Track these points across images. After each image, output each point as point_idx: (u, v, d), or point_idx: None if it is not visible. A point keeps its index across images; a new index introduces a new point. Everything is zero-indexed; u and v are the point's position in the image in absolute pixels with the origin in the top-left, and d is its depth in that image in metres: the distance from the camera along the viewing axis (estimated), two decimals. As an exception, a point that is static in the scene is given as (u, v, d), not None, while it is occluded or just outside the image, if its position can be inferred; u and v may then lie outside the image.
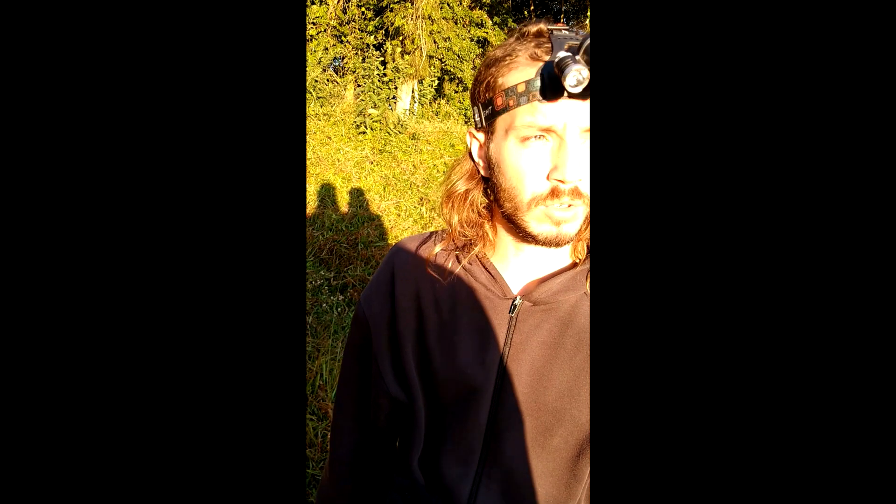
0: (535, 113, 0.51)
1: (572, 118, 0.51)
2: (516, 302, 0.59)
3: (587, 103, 0.51)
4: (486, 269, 0.61)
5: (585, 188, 0.53)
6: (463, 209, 0.62)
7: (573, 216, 0.54)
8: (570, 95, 0.49)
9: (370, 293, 0.67)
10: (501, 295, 0.59)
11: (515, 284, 0.61)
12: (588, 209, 0.55)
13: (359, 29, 10.01)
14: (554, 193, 0.53)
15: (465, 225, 0.62)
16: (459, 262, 0.62)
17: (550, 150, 0.53)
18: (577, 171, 0.51)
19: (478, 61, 10.55)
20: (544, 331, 0.58)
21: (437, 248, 0.64)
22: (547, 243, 0.55)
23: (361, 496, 0.71)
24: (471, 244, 0.61)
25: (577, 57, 0.46)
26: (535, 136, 0.52)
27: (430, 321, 0.61)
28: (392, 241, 3.80)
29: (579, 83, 0.46)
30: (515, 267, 0.61)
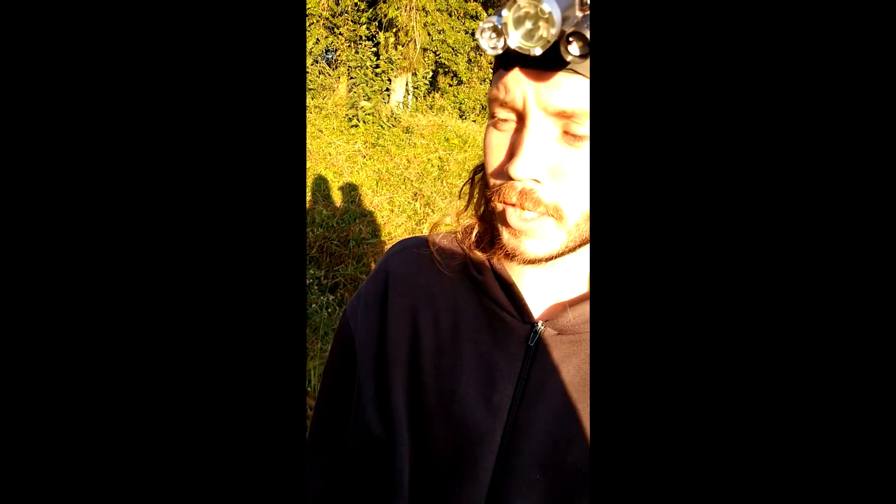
0: (498, 83, 0.39)
1: (533, 93, 0.37)
2: (537, 328, 0.45)
3: (569, 78, 0.36)
4: (501, 281, 0.47)
5: (550, 196, 0.39)
6: (475, 200, 0.50)
7: (532, 231, 0.40)
8: (524, 63, 0.37)
9: (357, 303, 0.54)
10: (518, 318, 0.46)
11: (537, 306, 0.48)
12: (568, 231, 0.41)
13: (352, 20, 9.88)
14: (500, 193, 0.41)
15: (476, 221, 0.49)
16: (468, 272, 0.49)
17: (511, 134, 0.41)
18: (530, 167, 0.38)
19: (472, 54, 10.45)
20: (572, 368, 0.45)
21: (442, 253, 0.50)
22: (513, 258, 0.43)
23: None
24: (483, 249, 0.47)
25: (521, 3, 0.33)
26: (501, 116, 0.40)
27: (426, 346, 0.48)
28: (385, 239, 3.69)
29: (496, 47, 0.35)
30: (537, 283, 0.47)
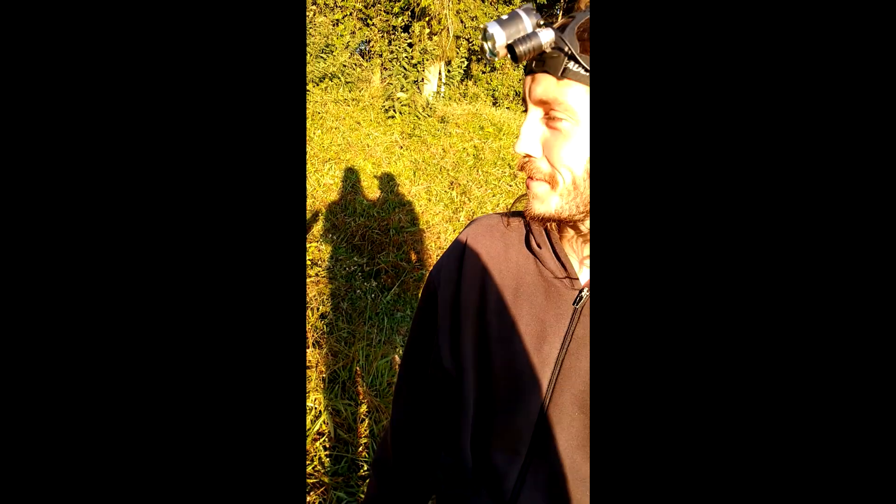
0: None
1: (527, 89, 0.51)
2: (582, 293, 0.55)
3: (544, 76, 0.48)
4: (556, 253, 0.57)
5: (545, 166, 0.51)
6: None
7: (535, 193, 0.53)
8: (525, 69, 0.50)
9: (442, 261, 0.66)
10: (568, 284, 0.57)
11: (585, 274, 0.58)
12: (560, 194, 0.52)
13: (384, 11, 9.91)
14: (521, 166, 0.54)
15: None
16: (529, 244, 0.60)
17: None
18: (524, 144, 0.51)
19: (506, 40, 10.30)
20: None
21: (509, 227, 0.62)
22: (529, 216, 0.55)
23: (405, 464, 0.72)
24: (545, 224, 0.58)
25: (500, 24, 0.47)
26: (524, 108, 0.53)
27: (492, 301, 0.60)
28: (423, 227, 3.80)
29: (495, 55, 0.47)
30: (584, 254, 0.57)
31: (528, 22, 0.47)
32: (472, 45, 9.49)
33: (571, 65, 0.46)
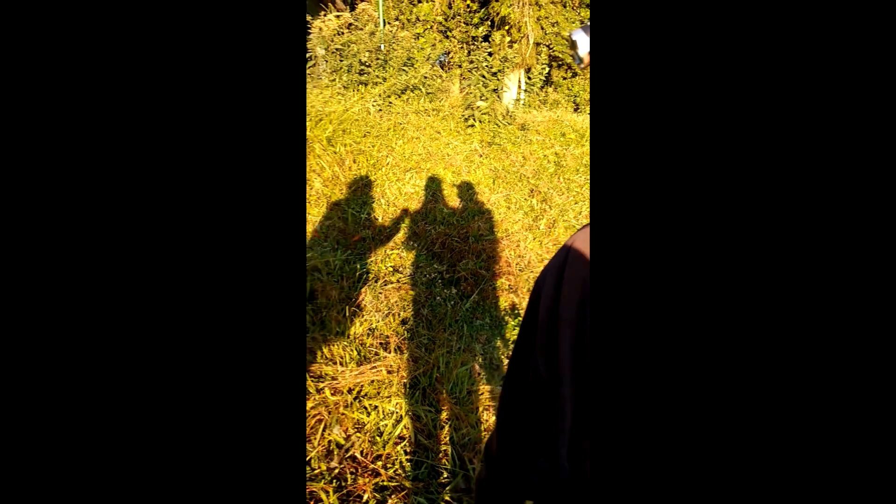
0: None
1: None
2: None
3: None
4: None
5: None
6: None
7: None
8: None
9: (547, 267, 0.67)
10: None
11: None
12: None
13: (464, 23, 10.03)
14: None
15: None
16: None
17: None
18: None
19: (587, 44, 10.06)
20: None
21: None
22: None
23: (506, 459, 0.73)
24: None
25: None
26: None
27: (589, 313, 0.59)
28: (501, 235, 3.77)
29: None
30: None
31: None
32: (553, 51, 9.34)
33: None
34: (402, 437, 1.97)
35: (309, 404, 2.00)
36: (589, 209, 4.17)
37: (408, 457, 1.89)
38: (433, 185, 4.52)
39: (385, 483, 1.76)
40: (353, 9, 8.24)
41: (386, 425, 1.98)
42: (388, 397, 2.10)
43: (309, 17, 6.05)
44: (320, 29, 5.78)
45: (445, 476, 1.83)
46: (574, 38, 0.48)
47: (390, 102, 5.62)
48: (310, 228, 3.42)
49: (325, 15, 6.27)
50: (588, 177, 4.73)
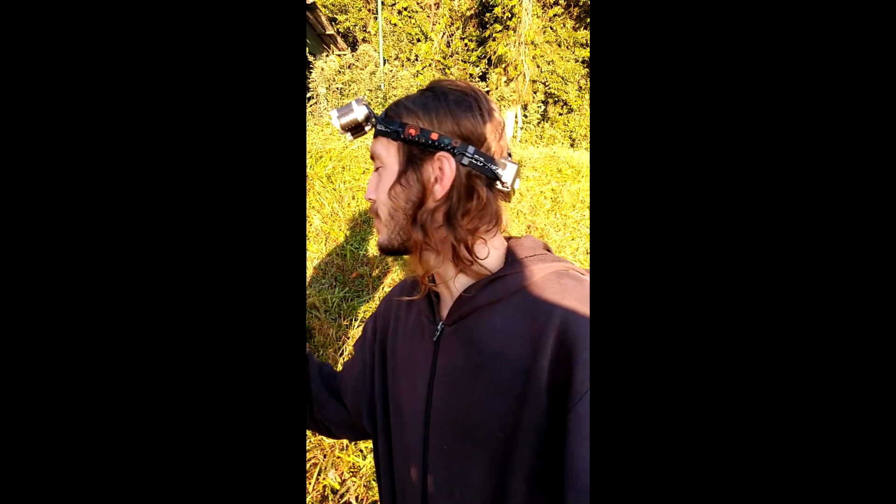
0: None
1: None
2: (439, 327, 0.59)
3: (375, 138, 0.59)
4: (430, 296, 0.62)
5: (377, 205, 0.58)
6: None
7: (378, 227, 0.60)
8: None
9: (370, 318, 0.73)
10: (431, 320, 0.61)
11: (448, 311, 0.61)
12: (385, 224, 0.58)
13: (462, 60, 10.31)
14: None
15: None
16: (416, 292, 0.65)
17: None
18: (369, 190, 0.59)
19: (583, 82, 10.37)
20: (459, 353, 0.56)
21: (413, 281, 0.68)
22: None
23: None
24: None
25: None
26: None
27: (389, 354, 0.66)
28: (500, 271, 3.79)
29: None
30: (453, 295, 0.60)
31: (357, 108, 0.61)
32: (549, 88, 9.59)
33: (379, 127, 0.58)
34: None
35: (304, 448, 1.98)
36: (588, 244, 4.21)
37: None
38: (431, 220, 4.55)
39: (380, 531, 1.72)
40: (354, 49, 8.49)
41: (382, 469, 1.95)
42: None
43: (311, 57, 6.23)
44: (322, 68, 5.94)
45: None
46: (351, 107, 0.60)
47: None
48: (309, 265, 3.44)
49: (327, 55, 6.45)
50: (584, 213, 4.78)
